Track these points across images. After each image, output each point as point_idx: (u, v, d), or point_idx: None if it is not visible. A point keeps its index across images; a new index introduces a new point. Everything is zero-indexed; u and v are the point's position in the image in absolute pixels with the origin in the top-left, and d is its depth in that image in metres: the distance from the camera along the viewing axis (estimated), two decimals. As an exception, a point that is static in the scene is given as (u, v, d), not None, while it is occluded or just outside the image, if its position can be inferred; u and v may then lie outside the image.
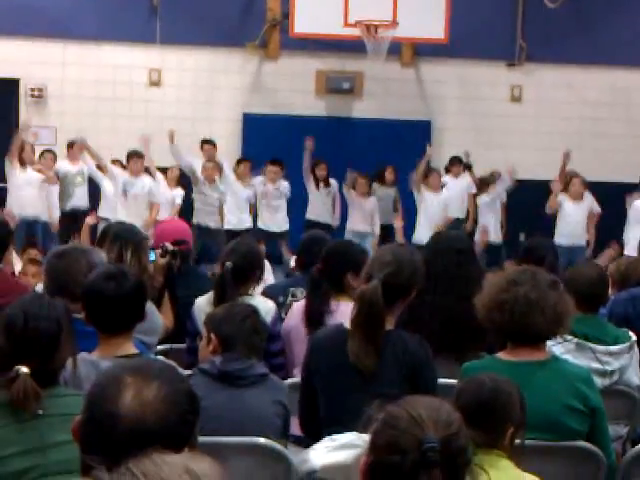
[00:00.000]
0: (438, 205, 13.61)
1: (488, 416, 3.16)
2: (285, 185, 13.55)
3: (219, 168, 13.11)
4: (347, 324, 4.03)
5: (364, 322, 3.89)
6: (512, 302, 3.78)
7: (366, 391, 3.64)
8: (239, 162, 13.81)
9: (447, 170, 14.52)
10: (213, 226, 13.01)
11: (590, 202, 13.11)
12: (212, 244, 11.86)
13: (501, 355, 3.91)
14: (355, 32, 14.00)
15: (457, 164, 14.54)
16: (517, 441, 3.26)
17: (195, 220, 12.85)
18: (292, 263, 8.91)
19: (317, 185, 13.89)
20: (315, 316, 4.90)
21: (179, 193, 13.85)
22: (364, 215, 13.74)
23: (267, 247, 11.28)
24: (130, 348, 3.76)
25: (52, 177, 13.13)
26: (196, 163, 13.15)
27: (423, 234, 13.22)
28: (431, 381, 3.98)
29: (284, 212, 13.65)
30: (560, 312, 3.81)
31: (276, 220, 13.59)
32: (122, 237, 5.16)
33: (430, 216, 13.51)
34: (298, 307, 5.17)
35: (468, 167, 14.72)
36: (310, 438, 4.08)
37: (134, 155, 12.90)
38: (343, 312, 4.77)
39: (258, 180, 13.47)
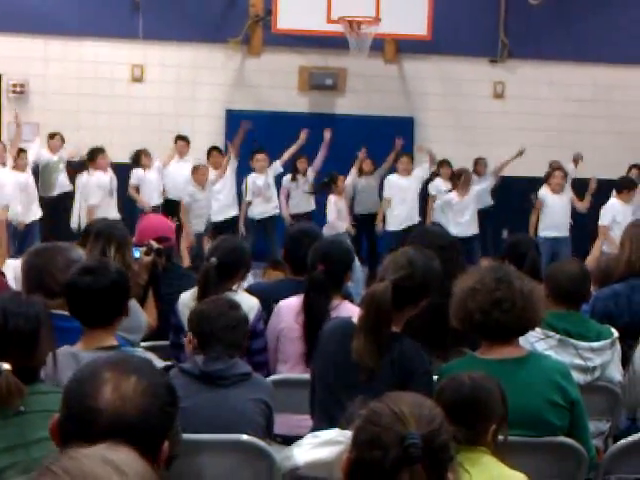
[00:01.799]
0: (409, 187, 13.68)
1: (469, 413, 3.17)
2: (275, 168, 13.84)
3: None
4: (354, 319, 4.01)
5: (371, 322, 3.86)
6: (478, 301, 3.78)
7: (363, 390, 3.63)
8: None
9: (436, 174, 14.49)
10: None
11: (570, 194, 13.20)
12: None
13: (478, 354, 3.91)
14: (338, 28, 13.97)
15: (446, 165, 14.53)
16: (500, 437, 3.28)
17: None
18: None
19: (295, 177, 13.94)
20: (319, 316, 4.84)
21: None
22: (340, 213, 13.81)
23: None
24: (110, 341, 3.76)
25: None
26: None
27: (396, 220, 13.37)
28: (425, 389, 3.95)
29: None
30: (527, 308, 3.80)
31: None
32: (105, 234, 5.13)
33: (401, 200, 13.60)
34: (288, 306, 5.14)
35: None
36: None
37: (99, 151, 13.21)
38: (344, 310, 4.78)
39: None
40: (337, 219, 13.51)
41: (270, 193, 13.69)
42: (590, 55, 15.92)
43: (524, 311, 3.79)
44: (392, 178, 13.82)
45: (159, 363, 3.63)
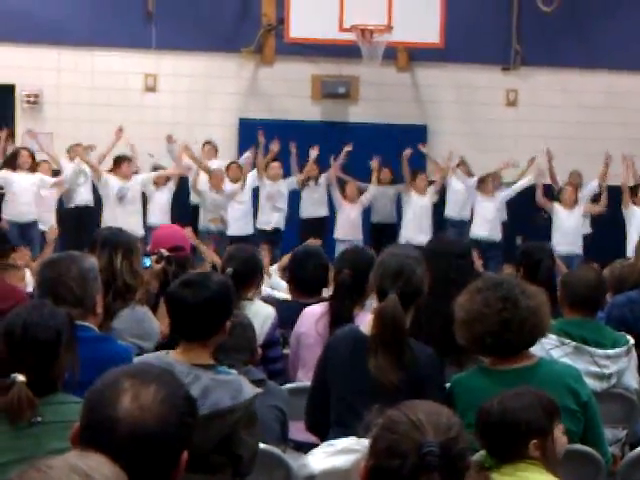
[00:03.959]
0: (422, 207, 13.72)
1: (501, 437, 3.24)
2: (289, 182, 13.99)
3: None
4: (363, 328, 4.03)
5: (387, 338, 3.88)
6: (486, 324, 3.76)
7: (377, 399, 3.63)
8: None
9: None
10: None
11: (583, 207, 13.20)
12: None
13: (488, 364, 3.91)
14: (350, 37, 14.02)
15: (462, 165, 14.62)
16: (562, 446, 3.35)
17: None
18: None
19: (306, 182, 14.01)
20: (344, 320, 4.81)
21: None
22: (351, 223, 13.84)
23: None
24: (206, 359, 3.56)
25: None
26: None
27: (408, 235, 13.40)
28: (436, 395, 3.96)
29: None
30: (536, 323, 3.79)
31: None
32: (111, 242, 5.08)
33: (416, 217, 13.66)
34: (311, 312, 5.16)
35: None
36: (318, 436, 4.08)
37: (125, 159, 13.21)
38: (364, 320, 4.78)
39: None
40: (347, 227, 13.61)
41: (280, 204, 13.75)
42: (603, 62, 15.90)
43: (534, 327, 3.78)
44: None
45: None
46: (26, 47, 15.02)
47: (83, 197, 13.96)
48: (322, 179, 14.10)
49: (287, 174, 14.04)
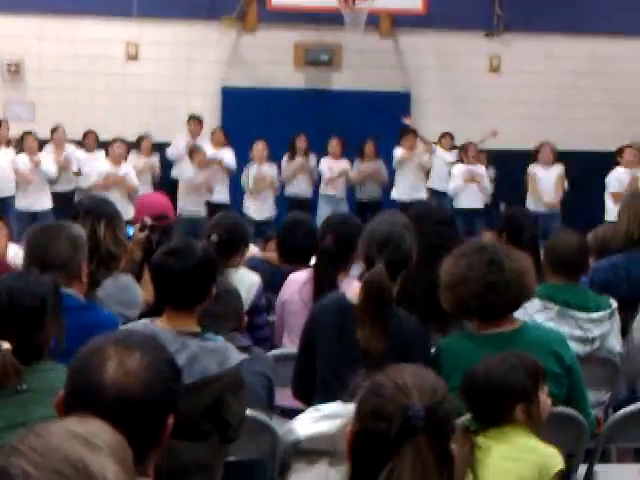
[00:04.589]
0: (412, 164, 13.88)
1: (487, 402, 3.30)
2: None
3: None
4: (349, 296, 4.03)
5: (373, 308, 3.87)
6: (471, 288, 3.78)
7: (363, 365, 3.64)
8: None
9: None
10: None
11: (560, 169, 13.26)
12: None
13: (473, 329, 3.93)
14: (333, 3, 13.93)
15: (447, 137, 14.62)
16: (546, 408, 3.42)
17: None
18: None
19: (293, 157, 13.92)
20: (327, 287, 4.82)
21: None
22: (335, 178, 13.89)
23: None
24: (192, 327, 3.56)
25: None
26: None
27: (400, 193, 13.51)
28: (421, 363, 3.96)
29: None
30: (521, 285, 3.81)
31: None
32: (94, 211, 5.06)
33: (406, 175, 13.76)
34: (295, 279, 5.16)
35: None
36: (305, 402, 4.10)
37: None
38: (348, 286, 4.78)
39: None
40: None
41: (266, 193, 13.61)
42: (586, 27, 15.85)
43: (519, 290, 3.80)
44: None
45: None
46: (7, 16, 14.88)
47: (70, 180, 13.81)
48: (311, 159, 14.06)
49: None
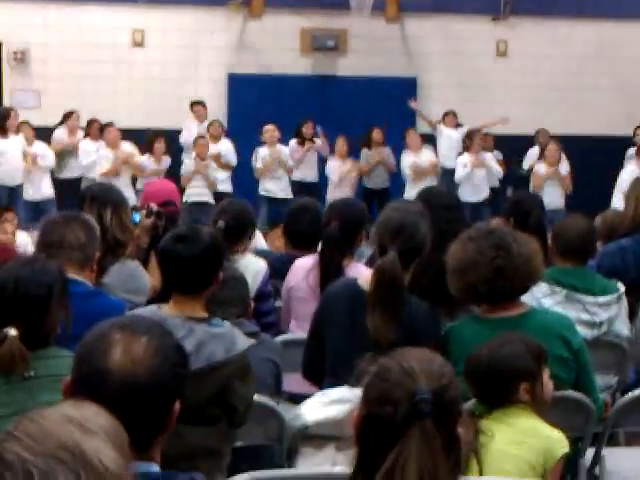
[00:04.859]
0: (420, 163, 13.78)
1: (491, 384, 3.34)
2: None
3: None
4: (361, 282, 4.01)
5: (385, 296, 3.84)
6: (480, 272, 3.77)
7: (373, 352, 3.63)
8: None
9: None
10: None
11: (565, 166, 13.13)
12: None
13: (480, 313, 3.92)
14: (339, -11, 13.93)
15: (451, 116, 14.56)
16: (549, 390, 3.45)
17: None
18: None
19: (302, 142, 13.84)
20: (334, 272, 4.82)
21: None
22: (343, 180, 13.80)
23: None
24: (199, 312, 3.57)
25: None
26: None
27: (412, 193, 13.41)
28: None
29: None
30: (530, 270, 3.81)
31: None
32: (100, 197, 5.09)
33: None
34: (301, 265, 5.16)
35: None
36: (315, 383, 4.10)
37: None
38: (355, 271, 4.78)
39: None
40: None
41: (279, 174, 13.53)
42: (594, 11, 15.81)
43: (527, 274, 3.79)
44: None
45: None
46: (12, 3, 14.88)
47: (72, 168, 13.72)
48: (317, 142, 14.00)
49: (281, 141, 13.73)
